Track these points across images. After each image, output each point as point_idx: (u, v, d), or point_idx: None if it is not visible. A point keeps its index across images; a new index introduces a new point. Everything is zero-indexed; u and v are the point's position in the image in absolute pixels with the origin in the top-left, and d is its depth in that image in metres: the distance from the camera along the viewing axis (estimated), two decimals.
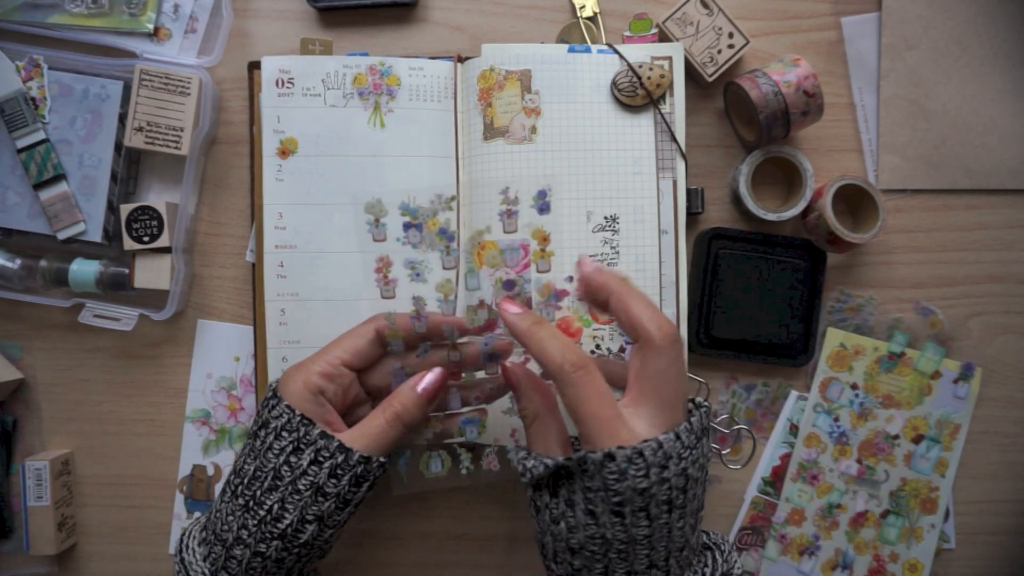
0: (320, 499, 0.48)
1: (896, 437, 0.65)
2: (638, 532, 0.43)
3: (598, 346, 0.61)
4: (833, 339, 0.65)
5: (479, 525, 0.66)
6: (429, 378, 0.52)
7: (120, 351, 0.66)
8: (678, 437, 0.43)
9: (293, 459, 0.48)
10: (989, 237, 0.66)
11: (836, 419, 0.65)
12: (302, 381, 0.50)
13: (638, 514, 0.43)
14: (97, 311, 0.63)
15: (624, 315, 0.47)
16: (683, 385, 0.46)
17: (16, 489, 0.65)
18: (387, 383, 0.54)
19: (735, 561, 0.49)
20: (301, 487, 0.48)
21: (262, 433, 0.50)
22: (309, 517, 0.49)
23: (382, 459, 0.50)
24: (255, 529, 0.48)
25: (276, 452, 0.49)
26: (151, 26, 0.63)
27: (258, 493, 0.49)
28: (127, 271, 0.62)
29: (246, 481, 0.49)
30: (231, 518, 0.49)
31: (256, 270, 0.62)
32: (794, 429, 0.66)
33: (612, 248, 0.61)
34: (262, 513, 0.48)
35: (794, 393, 0.66)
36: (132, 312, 0.63)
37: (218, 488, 0.66)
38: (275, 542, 0.48)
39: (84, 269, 0.62)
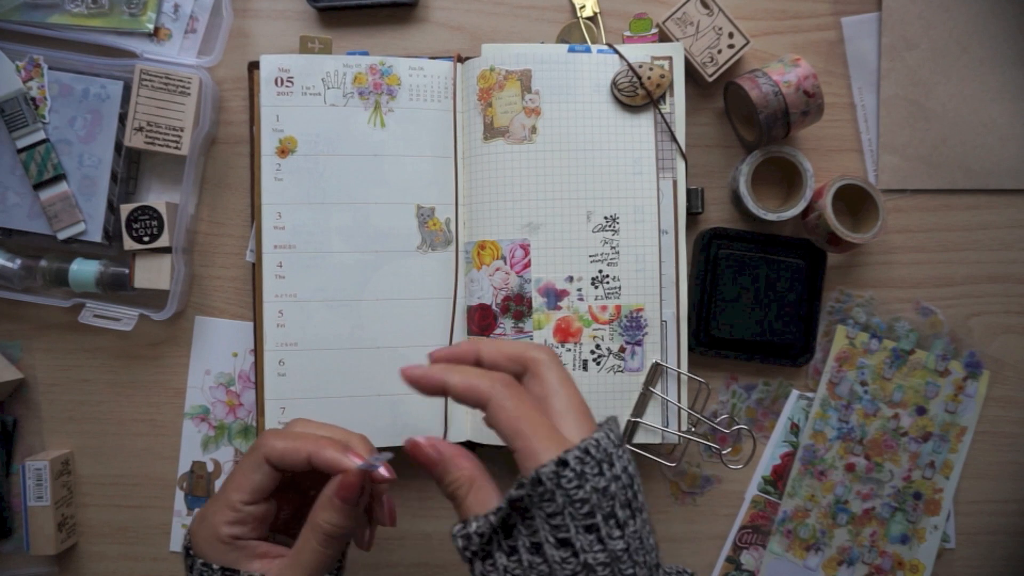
0: None
1: (904, 435, 0.65)
2: (615, 545, 0.39)
3: (598, 346, 0.61)
4: (841, 337, 0.65)
5: None
6: (343, 482, 0.45)
7: (120, 351, 0.66)
8: (608, 435, 0.41)
9: None
10: (989, 237, 0.66)
11: (844, 416, 0.65)
12: (211, 536, 0.46)
13: (609, 522, 0.39)
14: (97, 311, 0.63)
15: (499, 357, 0.45)
16: (580, 394, 0.44)
17: (16, 489, 0.65)
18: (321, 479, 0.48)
19: None
20: None
21: None
22: None
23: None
24: None
25: None
26: (151, 26, 0.63)
27: None
28: (127, 271, 0.62)
29: None
30: None
31: (256, 270, 0.62)
32: (795, 428, 0.66)
33: (612, 248, 0.61)
34: None
35: (795, 392, 0.66)
36: (132, 312, 0.63)
37: (219, 486, 0.66)
38: None
39: (84, 269, 0.62)
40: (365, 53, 0.63)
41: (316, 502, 0.46)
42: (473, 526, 0.40)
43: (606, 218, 0.61)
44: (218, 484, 0.66)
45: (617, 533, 0.39)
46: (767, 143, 0.62)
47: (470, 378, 0.43)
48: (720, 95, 0.65)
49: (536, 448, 0.40)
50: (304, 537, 0.46)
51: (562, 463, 0.39)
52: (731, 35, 0.62)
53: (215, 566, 0.46)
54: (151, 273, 0.62)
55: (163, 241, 0.62)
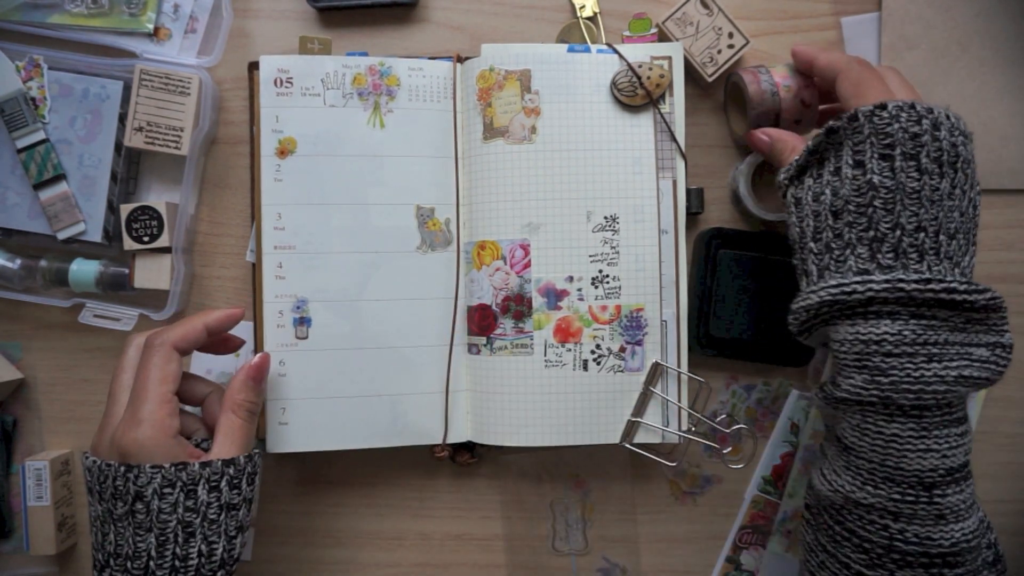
0: (234, 513, 0.51)
1: None
2: (907, 182, 0.45)
3: (598, 346, 0.61)
4: None
5: (479, 525, 0.66)
6: (256, 363, 0.55)
7: (120, 351, 0.66)
8: (947, 113, 0.46)
9: (190, 503, 0.49)
10: (989, 237, 0.66)
11: None
12: (160, 434, 0.49)
13: (908, 161, 0.45)
14: (97, 311, 0.63)
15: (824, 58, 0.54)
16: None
17: (16, 489, 0.65)
18: (193, 393, 0.56)
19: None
20: (212, 516, 0.49)
21: (139, 507, 0.48)
22: (232, 533, 0.50)
23: (256, 451, 0.54)
24: None
25: (169, 511, 0.48)
26: (151, 26, 0.63)
27: (177, 550, 0.48)
28: (127, 271, 0.62)
29: (154, 552, 0.48)
30: None
31: (256, 270, 0.62)
32: (795, 428, 0.66)
33: (612, 248, 0.61)
34: (193, 561, 0.49)
35: (795, 392, 0.66)
36: (132, 312, 0.63)
37: None
38: (219, 572, 0.50)
39: (84, 269, 0.62)
40: (364, 54, 0.63)
41: (228, 390, 0.54)
42: (793, 159, 0.51)
43: (606, 218, 0.61)
44: None
45: (914, 173, 0.45)
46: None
47: (833, 55, 0.53)
48: (720, 92, 0.65)
49: (867, 96, 0.48)
50: (227, 420, 0.53)
51: (881, 106, 0.45)
52: (731, 35, 0.62)
53: (167, 464, 0.48)
54: (151, 273, 0.62)
55: (163, 241, 0.62)
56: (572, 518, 0.66)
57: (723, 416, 0.65)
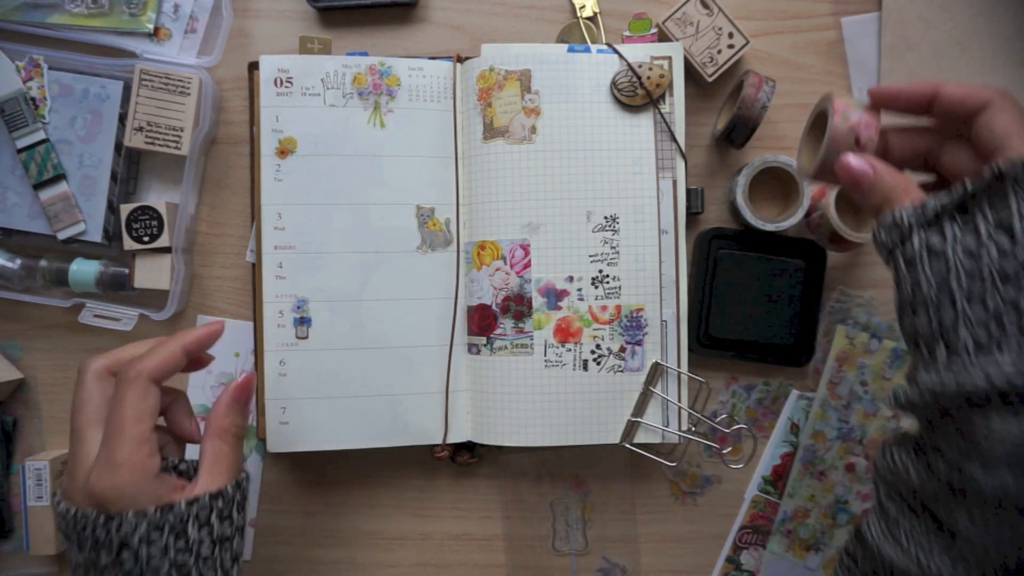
0: (227, 543, 0.47)
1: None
2: None
3: (598, 346, 0.61)
4: (841, 337, 0.65)
5: (479, 525, 0.66)
6: (241, 383, 0.50)
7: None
8: None
9: (181, 544, 0.45)
10: None
11: (844, 416, 0.65)
12: (139, 476, 0.45)
13: None
14: (97, 311, 0.63)
15: (958, 90, 0.44)
16: None
17: (16, 489, 0.65)
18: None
19: None
20: (205, 552, 0.46)
21: (126, 555, 0.44)
22: (228, 565, 0.47)
23: (241, 476, 0.49)
24: None
25: (159, 556, 0.45)
26: (151, 26, 0.63)
27: None
28: (127, 271, 0.62)
29: None
30: None
31: (256, 270, 0.62)
32: (795, 428, 0.66)
33: (612, 248, 0.61)
34: None
35: (795, 392, 0.66)
36: (132, 312, 0.63)
37: None
38: None
39: (84, 269, 0.62)
40: (364, 53, 0.63)
41: (212, 414, 0.49)
42: (933, 201, 0.40)
43: (606, 218, 0.61)
44: None
45: None
46: (724, 139, 0.62)
47: (966, 84, 0.43)
48: (720, 95, 0.65)
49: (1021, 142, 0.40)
50: (214, 447, 0.48)
51: None
52: (731, 35, 0.62)
53: (151, 509, 0.44)
54: (151, 273, 0.62)
55: (163, 241, 0.62)
56: (572, 518, 0.66)
57: (723, 416, 0.65)
